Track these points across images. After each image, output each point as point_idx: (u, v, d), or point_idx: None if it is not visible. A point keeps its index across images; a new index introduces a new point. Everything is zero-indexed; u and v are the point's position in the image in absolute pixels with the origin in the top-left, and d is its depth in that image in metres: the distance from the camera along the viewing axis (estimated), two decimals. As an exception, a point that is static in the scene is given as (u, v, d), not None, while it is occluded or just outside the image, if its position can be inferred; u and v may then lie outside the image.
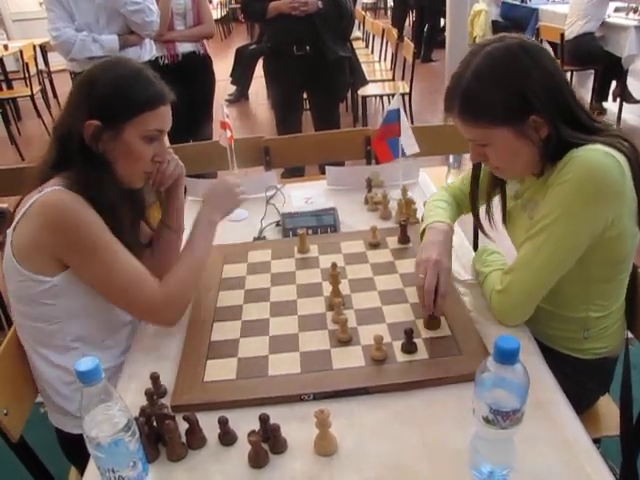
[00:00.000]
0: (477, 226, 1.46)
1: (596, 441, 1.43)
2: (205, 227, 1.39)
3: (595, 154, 1.13)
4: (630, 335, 1.41)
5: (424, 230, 1.40)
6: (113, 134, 1.23)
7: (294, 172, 3.30)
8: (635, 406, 1.34)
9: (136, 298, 1.25)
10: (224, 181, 1.51)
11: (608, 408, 1.48)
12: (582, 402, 1.39)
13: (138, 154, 1.27)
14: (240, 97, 6.84)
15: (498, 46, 1.16)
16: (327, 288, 1.39)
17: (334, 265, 1.35)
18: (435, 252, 1.27)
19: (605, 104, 5.40)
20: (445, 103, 1.23)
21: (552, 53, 6.00)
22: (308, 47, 3.24)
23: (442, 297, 1.22)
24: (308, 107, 3.84)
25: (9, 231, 1.21)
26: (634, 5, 5.05)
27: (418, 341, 1.18)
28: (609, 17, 5.13)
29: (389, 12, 12.75)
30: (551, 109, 1.14)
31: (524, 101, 1.13)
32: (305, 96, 3.74)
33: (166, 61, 3.25)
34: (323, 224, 1.70)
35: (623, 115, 5.06)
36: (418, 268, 1.27)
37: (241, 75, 6.58)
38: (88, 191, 1.20)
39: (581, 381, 1.34)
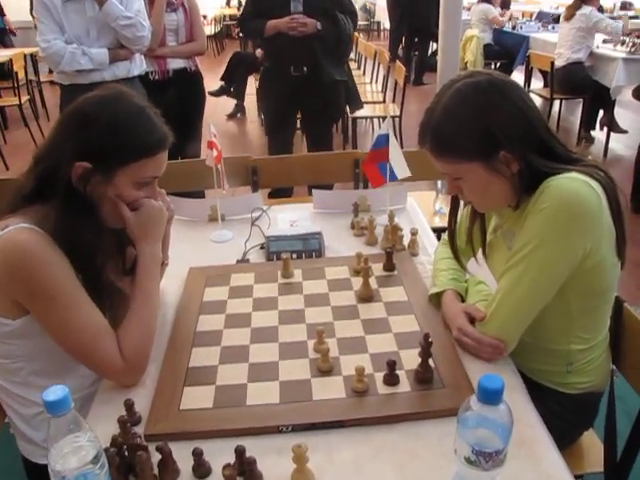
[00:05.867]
0: (457, 261, 1.44)
1: (579, 477, 1.41)
2: (149, 268, 1.27)
3: (570, 182, 1.13)
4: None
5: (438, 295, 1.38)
6: (103, 178, 1.16)
7: (281, 193, 3.28)
8: (620, 440, 1.33)
9: (91, 358, 1.17)
10: (147, 206, 1.26)
11: (592, 443, 1.45)
12: (565, 437, 1.37)
13: (127, 199, 1.21)
14: (238, 111, 6.87)
15: (467, 82, 1.18)
16: (310, 315, 1.37)
17: (366, 259, 1.44)
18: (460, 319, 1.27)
19: (593, 133, 5.47)
20: (418, 137, 1.26)
21: (542, 81, 6.10)
22: (305, 68, 3.23)
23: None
24: (300, 128, 3.82)
25: None
26: (622, 38, 5.15)
27: (400, 373, 1.15)
28: (598, 48, 5.23)
29: (382, 34, 12.92)
30: (521, 144, 1.15)
31: (492, 137, 1.15)
32: (299, 116, 3.72)
33: (156, 77, 3.25)
34: (308, 248, 1.67)
35: (610, 144, 5.12)
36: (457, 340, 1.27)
37: (232, 75, 6.57)
38: (63, 231, 1.13)
39: (565, 416, 1.32)
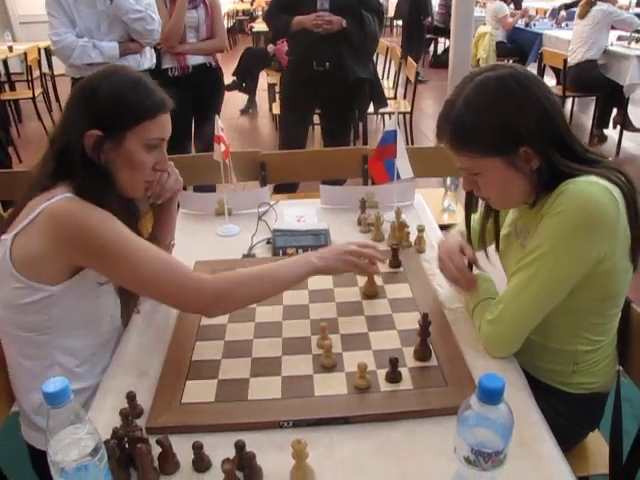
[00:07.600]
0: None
1: (585, 479, 1.40)
2: (297, 261, 1.31)
3: (589, 186, 1.10)
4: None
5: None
6: (114, 144, 1.22)
7: (287, 188, 3.25)
8: (626, 441, 1.31)
9: (170, 286, 1.20)
10: (346, 245, 1.38)
11: (597, 445, 1.44)
12: (570, 438, 1.36)
13: (140, 163, 1.26)
14: (250, 107, 6.85)
15: (490, 75, 1.15)
16: (315, 310, 1.37)
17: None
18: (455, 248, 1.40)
19: (606, 131, 5.41)
20: (437, 130, 1.22)
21: (554, 79, 6.05)
22: (328, 64, 3.20)
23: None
24: (319, 123, 3.77)
25: (6, 237, 1.16)
26: (637, 35, 5.08)
27: (403, 370, 1.15)
28: (612, 45, 5.16)
29: (394, 30, 12.86)
30: (542, 141, 1.12)
31: (514, 133, 1.12)
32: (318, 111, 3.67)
33: (176, 73, 3.25)
34: (314, 244, 1.65)
35: (623, 143, 5.06)
36: (441, 262, 1.41)
37: (244, 70, 6.56)
38: (91, 201, 1.18)
39: (570, 416, 1.31)
